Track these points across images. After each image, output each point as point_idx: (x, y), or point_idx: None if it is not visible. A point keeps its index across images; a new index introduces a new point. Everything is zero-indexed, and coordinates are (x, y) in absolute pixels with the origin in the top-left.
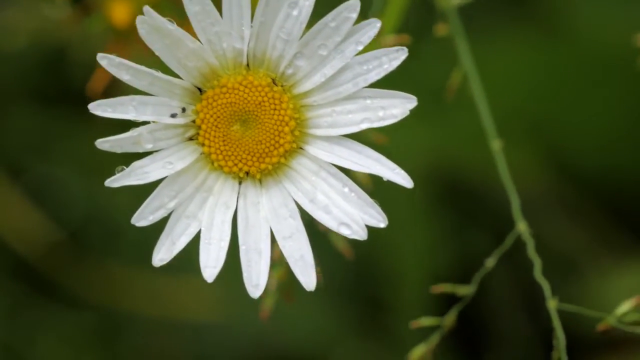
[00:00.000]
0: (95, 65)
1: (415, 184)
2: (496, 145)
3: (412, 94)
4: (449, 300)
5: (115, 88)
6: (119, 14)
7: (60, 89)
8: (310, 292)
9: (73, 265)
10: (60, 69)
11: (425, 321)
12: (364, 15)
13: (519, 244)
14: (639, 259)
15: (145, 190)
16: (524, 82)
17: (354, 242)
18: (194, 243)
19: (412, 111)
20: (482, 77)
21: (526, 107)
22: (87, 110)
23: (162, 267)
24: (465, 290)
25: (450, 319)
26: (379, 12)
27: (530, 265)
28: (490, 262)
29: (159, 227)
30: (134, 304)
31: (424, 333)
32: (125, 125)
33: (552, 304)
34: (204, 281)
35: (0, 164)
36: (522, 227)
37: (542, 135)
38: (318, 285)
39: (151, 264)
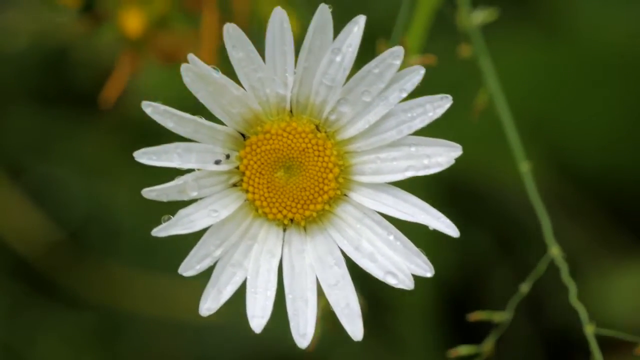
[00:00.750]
0: (97, 66)
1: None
2: (524, 167)
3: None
4: (449, 301)
5: (126, 94)
6: (131, 23)
7: (61, 90)
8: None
9: (73, 265)
10: (61, 70)
11: (463, 350)
12: (387, 36)
13: (519, 244)
14: (639, 259)
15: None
16: (524, 82)
17: None
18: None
19: None
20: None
21: (526, 106)
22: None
23: (163, 268)
24: (501, 316)
25: (488, 346)
26: (403, 31)
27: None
28: (525, 288)
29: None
30: (134, 304)
31: (425, 334)
32: (135, 133)
33: (589, 329)
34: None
35: (0, 164)
36: (555, 251)
37: (542, 135)
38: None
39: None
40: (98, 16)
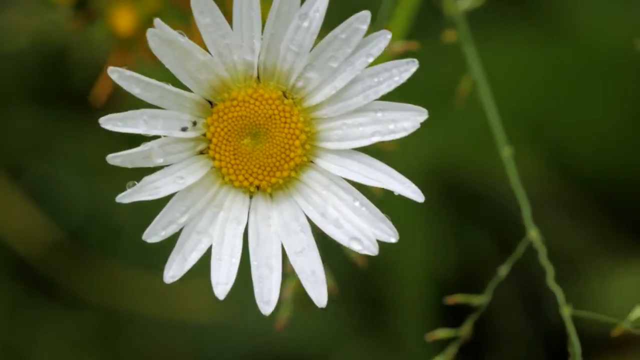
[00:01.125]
0: (96, 66)
1: (415, 184)
2: (506, 152)
3: (415, 94)
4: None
5: (119, 93)
6: (122, 21)
7: (61, 89)
8: None
9: (73, 265)
10: (61, 70)
11: (441, 333)
12: (372, 20)
13: (519, 244)
14: (639, 259)
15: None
16: (524, 82)
17: None
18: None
19: None
20: (487, 79)
21: (526, 107)
22: (87, 110)
23: (163, 268)
24: (479, 299)
25: (465, 329)
26: (387, 17)
27: (532, 265)
28: (503, 271)
29: None
30: (134, 304)
31: (423, 333)
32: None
33: (566, 311)
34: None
35: (0, 164)
36: (533, 234)
37: (542, 136)
38: (332, 297)
39: (151, 264)
40: (90, 14)
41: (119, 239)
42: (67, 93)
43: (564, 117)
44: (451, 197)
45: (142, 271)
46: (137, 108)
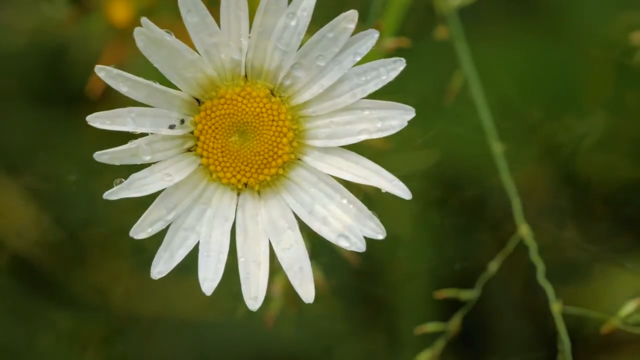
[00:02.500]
0: (93, 60)
1: (415, 183)
2: (498, 148)
3: (412, 93)
4: (450, 300)
5: (114, 91)
6: (118, 13)
7: (60, 89)
8: None
9: (73, 265)
10: (60, 69)
11: (430, 327)
12: (363, 18)
13: (520, 244)
14: (639, 259)
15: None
16: (523, 80)
17: None
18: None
19: None
20: (480, 76)
21: (525, 106)
22: (86, 108)
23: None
24: (469, 294)
25: (454, 323)
26: (378, 14)
27: (531, 266)
28: (493, 266)
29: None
30: (135, 304)
31: (425, 334)
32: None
33: (556, 308)
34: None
35: (0, 164)
36: (524, 230)
37: (542, 135)
38: (323, 293)
39: (151, 264)
40: (86, 6)
41: (119, 239)
42: (66, 93)
43: (564, 116)
44: (451, 197)
45: (142, 271)
46: (133, 105)
